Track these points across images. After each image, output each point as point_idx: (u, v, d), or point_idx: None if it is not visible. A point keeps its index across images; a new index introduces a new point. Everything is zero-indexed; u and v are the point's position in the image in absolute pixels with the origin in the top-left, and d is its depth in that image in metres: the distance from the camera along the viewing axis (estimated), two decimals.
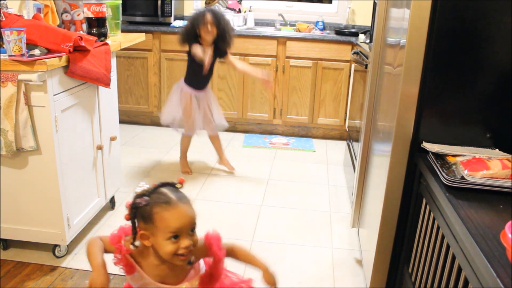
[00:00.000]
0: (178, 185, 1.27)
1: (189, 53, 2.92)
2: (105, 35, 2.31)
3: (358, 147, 2.37)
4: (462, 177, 1.31)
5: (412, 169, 1.61)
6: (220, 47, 2.92)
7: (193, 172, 3.22)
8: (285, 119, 4.05)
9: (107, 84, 2.20)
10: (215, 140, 3.23)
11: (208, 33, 2.84)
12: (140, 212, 1.20)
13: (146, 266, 1.27)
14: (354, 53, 3.26)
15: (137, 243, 1.26)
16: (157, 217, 1.18)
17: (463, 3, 1.44)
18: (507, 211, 1.19)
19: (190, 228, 1.20)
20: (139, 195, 1.22)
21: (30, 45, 1.93)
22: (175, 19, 4.10)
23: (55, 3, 2.36)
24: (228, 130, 3.34)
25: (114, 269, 2.15)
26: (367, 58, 2.75)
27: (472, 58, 1.49)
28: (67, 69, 1.96)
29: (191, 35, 2.86)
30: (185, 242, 1.18)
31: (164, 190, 1.24)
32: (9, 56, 1.81)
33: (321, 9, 4.38)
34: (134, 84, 4.13)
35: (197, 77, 2.96)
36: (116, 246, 1.26)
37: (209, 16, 2.83)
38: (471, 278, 1.07)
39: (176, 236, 1.18)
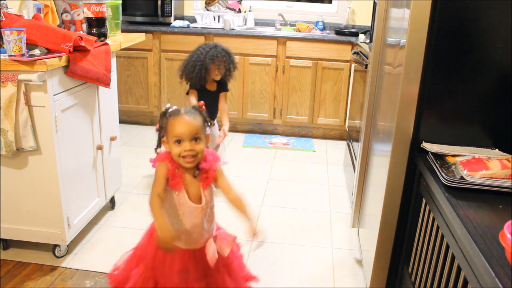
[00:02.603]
0: (197, 106, 1.55)
1: (191, 87, 2.80)
2: (105, 35, 2.31)
3: (358, 147, 2.37)
4: (462, 177, 1.31)
5: (412, 169, 1.61)
6: (224, 82, 2.84)
7: None
8: (285, 119, 4.05)
9: (107, 84, 2.20)
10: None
11: (218, 75, 2.73)
12: (161, 123, 1.51)
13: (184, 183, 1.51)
14: (354, 53, 3.27)
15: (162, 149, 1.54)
16: (168, 125, 1.47)
17: (463, 3, 1.44)
18: (506, 211, 1.19)
19: (191, 135, 1.45)
20: (164, 111, 1.51)
21: (30, 45, 1.94)
22: (175, 19, 4.10)
23: (55, 3, 2.36)
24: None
25: None
26: (367, 58, 2.75)
27: (472, 58, 1.49)
28: (67, 69, 1.97)
29: (197, 77, 2.70)
30: (186, 146, 1.44)
31: (181, 108, 1.51)
32: (9, 56, 1.81)
33: (321, 9, 4.38)
34: (134, 84, 4.13)
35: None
36: (168, 161, 1.50)
37: (221, 60, 2.69)
38: (470, 278, 1.07)
39: (179, 141, 1.45)
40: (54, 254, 2.15)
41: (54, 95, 1.91)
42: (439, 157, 1.47)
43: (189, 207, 1.51)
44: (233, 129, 4.07)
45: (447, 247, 1.26)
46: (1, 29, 1.85)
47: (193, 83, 2.75)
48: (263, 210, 2.74)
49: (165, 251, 1.51)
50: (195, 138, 1.46)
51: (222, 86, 2.86)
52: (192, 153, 1.45)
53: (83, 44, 1.99)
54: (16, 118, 1.86)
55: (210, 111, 2.76)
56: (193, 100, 2.73)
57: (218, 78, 2.76)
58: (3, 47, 1.85)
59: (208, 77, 2.73)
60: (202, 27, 3.98)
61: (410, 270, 1.64)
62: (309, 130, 4.16)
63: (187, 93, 2.82)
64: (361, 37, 3.66)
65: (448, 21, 1.46)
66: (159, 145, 1.55)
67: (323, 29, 4.17)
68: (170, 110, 1.50)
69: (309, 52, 3.85)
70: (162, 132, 1.52)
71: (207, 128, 1.54)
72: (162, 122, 1.51)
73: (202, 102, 1.59)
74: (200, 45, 2.79)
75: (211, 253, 1.55)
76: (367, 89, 2.17)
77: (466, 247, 1.07)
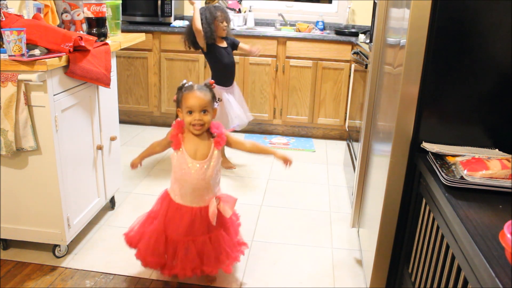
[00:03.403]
0: (208, 84, 1.85)
1: (208, 53, 3.06)
2: (105, 35, 2.31)
3: (358, 147, 2.37)
4: (462, 177, 1.31)
5: (412, 169, 1.61)
6: (230, 39, 3.13)
7: None
8: (285, 119, 4.05)
9: (107, 84, 2.20)
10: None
11: (224, 30, 3.01)
12: (177, 96, 1.83)
13: (186, 143, 1.84)
14: (354, 53, 3.27)
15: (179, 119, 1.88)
16: (183, 98, 1.80)
17: (463, 3, 1.44)
18: (506, 211, 1.19)
19: (200, 107, 1.77)
20: (181, 86, 1.83)
21: (30, 45, 1.94)
22: (175, 19, 4.10)
23: (55, 3, 2.36)
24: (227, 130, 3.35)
25: (115, 269, 2.16)
26: (367, 58, 2.75)
27: (472, 58, 1.49)
28: (67, 69, 1.97)
29: (209, 33, 2.95)
30: (196, 116, 1.77)
31: (195, 84, 1.83)
32: (9, 56, 1.81)
33: (321, 9, 4.38)
34: (134, 84, 4.13)
35: (225, 74, 3.10)
36: (176, 127, 1.84)
37: (221, 13, 2.97)
38: (471, 278, 1.07)
39: (191, 112, 1.77)
40: (54, 254, 2.15)
41: (54, 95, 1.91)
42: (439, 157, 1.47)
43: (191, 163, 1.81)
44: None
45: (447, 247, 1.26)
46: (1, 29, 1.85)
47: (205, 38, 2.97)
48: (263, 210, 2.74)
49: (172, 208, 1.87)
50: (204, 110, 1.78)
51: (232, 42, 3.14)
52: (201, 122, 1.77)
53: (83, 44, 1.99)
54: (16, 118, 1.86)
55: (226, 66, 3.10)
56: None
57: (224, 33, 3.04)
58: (3, 47, 1.85)
59: (215, 32, 2.99)
60: None
61: (410, 270, 1.64)
62: (309, 130, 4.16)
63: (206, 52, 3.06)
64: (361, 37, 3.66)
65: (448, 21, 1.46)
66: (176, 115, 1.88)
67: (323, 29, 4.17)
68: (186, 85, 1.81)
69: (309, 52, 3.85)
70: (177, 103, 1.83)
71: (216, 104, 1.86)
72: (178, 95, 1.82)
73: (212, 80, 1.93)
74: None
75: (212, 210, 1.82)
76: (367, 89, 2.16)
77: (466, 247, 1.07)
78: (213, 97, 1.83)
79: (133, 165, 2.01)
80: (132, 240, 1.96)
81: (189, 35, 3.03)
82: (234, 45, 3.16)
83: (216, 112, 1.88)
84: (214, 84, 1.87)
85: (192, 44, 3.05)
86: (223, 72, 3.10)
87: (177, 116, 1.88)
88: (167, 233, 1.88)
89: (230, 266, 1.96)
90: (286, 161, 1.91)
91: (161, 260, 1.91)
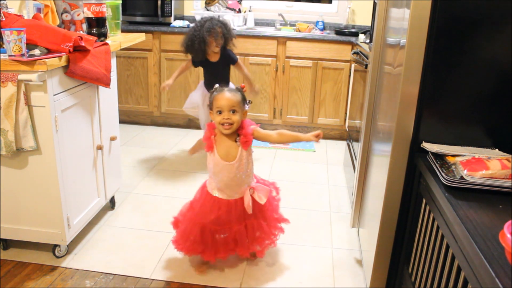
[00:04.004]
0: (239, 87, 2.00)
1: (194, 62, 3.07)
2: (105, 35, 2.31)
3: (358, 147, 2.37)
4: (462, 177, 1.31)
5: (412, 169, 1.61)
6: (226, 52, 3.04)
7: (193, 172, 3.23)
8: (285, 119, 4.05)
9: (107, 84, 2.20)
10: None
11: (217, 47, 2.95)
12: (210, 98, 1.97)
13: (218, 145, 1.96)
14: (354, 53, 3.26)
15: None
16: (214, 99, 1.93)
17: (463, 3, 1.44)
18: (506, 211, 1.19)
19: (229, 107, 1.88)
20: (213, 90, 1.97)
21: (30, 45, 1.93)
22: (175, 19, 4.10)
23: (55, 3, 2.36)
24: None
25: (115, 269, 2.16)
26: (367, 58, 2.75)
27: (472, 58, 1.49)
28: (67, 69, 1.97)
29: (197, 50, 2.91)
30: (225, 115, 1.88)
31: (227, 87, 1.97)
32: (9, 56, 1.81)
33: (321, 9, 4.38)
34: (134, 84, 4.13)
35: (211, 82, 3.03)
36: (208, 130, 1.97)
37: (217, 31, 2.89)
38: (471, 278, 1.07)
39: (220, 111, 1.89)
40: (54, 254, 2.15)
41: (54, 95, 1.91)
42: (439, 157, 1.47)
43: (222, 164, 1.94)
44: None
45: (447, 247, 1.26)
46: (1, 29, 1.85)
47: (194, 56, 2.97)
48: None
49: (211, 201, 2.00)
50: (233, 110, 1.89)
51: (226, 57, 3.05)
52: (229, 121, 1.88)
53: (83, 44, 1.99)
54: (16, 118, 1.86)
55: (217, 80, 2.98)
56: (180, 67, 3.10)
57: (216, 50, 2.95)
58: (3, 47, 1.85)
59: (208, 49, 2.92)
60: None
61: (410, 270, 1.64)
62: (309, 130, 4.16)
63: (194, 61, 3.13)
64: (361, 37, 3.66)
65: (448, 21, 1.46)
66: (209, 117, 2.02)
67: (323, 29, 4.17)
68: (218, 88, 1.95)
69: (309, 52, 3.85)
70: (210, 106, 1.96)
71: (246, 105, 1.94)
72: (211, 97, 1.96)
73: (243, 84, 2.04)
74: (196, 22, 3.00)
75: (247, 202, 1.96)
76: (367, 89, 2.17)
77: (466, 247, 1.07)
78: (243, 99, 1.94)
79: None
80: (174, 224, 2.14)
81: (184, 47, 3.01)
82: (228, 61, 3.09)
83: (246, 114, 1.97)
84: (245, 88, 2.01)
85: (185, 53, 3.06)
86: (209, 81, 3.05)
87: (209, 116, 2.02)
88: (204, 223, 2.00)
89: (263, 251, 2.14)
90: (317, 138, 1.98)
91: (194, 247, 2.03)
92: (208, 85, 3.09)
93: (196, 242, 2.02)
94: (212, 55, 3.00)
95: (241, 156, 1.94)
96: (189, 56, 3.07)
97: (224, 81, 3.06)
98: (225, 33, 2.93)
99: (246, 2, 4.30)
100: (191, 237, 2.02)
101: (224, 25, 2.95)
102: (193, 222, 2.02)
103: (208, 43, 2.89)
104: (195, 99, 3.22)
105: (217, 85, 1.97)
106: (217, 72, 3.05)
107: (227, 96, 1.89)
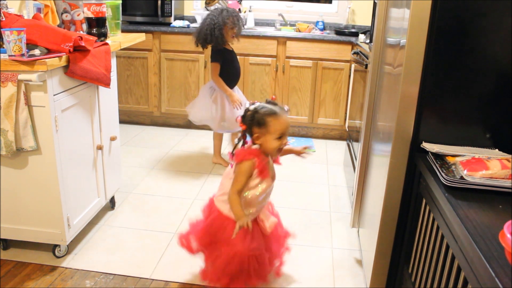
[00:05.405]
0: (274, 101, 1.81)
1: (216, 54, 3.08)
2: (105, 35, 2.31)
3: (358, 147, 2.37)
4: (462, 177, 1.31)
5: (412, 169, 1.61)
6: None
7: (193, 172, 3.23)
8: None
9: (107, 84, 2.20)
10: (236, 136, 3.41)
11: (234, 36, 3.06)
12: (256, 120, 1.74)
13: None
14: (354, 53, 3.26)
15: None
16: (270, 123, 1.73)
17: (463, 3, 1.44)
18: (506, 211, 1.19)
19: (288, 130, 1.77)
20: (251, 109, 1.76)
21: (30, 45, 1.93)
22: (175, 19, 4.10)
23: (55, 3, 2.36)
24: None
25: (115, 269, 2.16)
26: (367, 58, 2.75)
27: (472, 58, 1.49)
28: (67, 69, 1.97)
29: (219, 38, 2.99)
30: (285, 140, 1.77)
31: (268, 105, 1.78)
32: (9, 56, 1.81)
33: (321, 9, 4.38)
34: (134, 84, 4.13)
35: (231, 76, 3.15)
36: (256, 156, 1.77)
37: (233, 19, 3.00)
38: (470, 278, 1.07)
39: (280, 137, 1.75)
40: (54, 254, 2.15)
41: (54, 95, 1.91)
42: (439, 157, 1.47)
43: (271, 187, 1.85)
44: None
45: (447, 247, 1.26)
46: (1, 29, 1.85)
47: (214, 44, 3.05)
48: None
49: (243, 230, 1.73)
50: None
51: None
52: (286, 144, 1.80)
53: (83, 44, 1.99)
54: (16, 118, 1.86)
55: (236, 69, 3.19)
56: (219, 79, 3.07)
57: (233, 39, 3.08)
58: (3, 47, 1.85)
59: (226, 37, 3.03)
60: None
61: (410, 270, 1.64)
62: (309, 130, 4.16)
63: (214, 54, 3.10)
64: (361, 37, 3.66)
65: (448, 21, 1.46)
66: (244, 141, 1.82)
67: (323, 29, 4.17)
68: (263, 108, 1.75)
69: (309, 52, 3.85)
70: (254, 128, 1.76)
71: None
72: (257, 119, 1.74)
73: (274, 96, 1.94)
74: (208, 13, 3.08)
75: (272, 222, 1.87)
76: (367, 89, 2.16)
77: (466, 247, 1.07)
78: None
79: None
80: (186, 244, 1.95)
81: (199, 38, 3.07)
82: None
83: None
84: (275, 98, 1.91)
85: (202, 45, 3.11)
86: (232, 74, 3.15)
87: (245, 141, 1.81)
88: (210, 241, 1.85)
89: (278, 271, 2.04)
90: (303, 149, 1.96)
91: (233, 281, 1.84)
92: (230, 76, 3.13)
93: (234, 274, 1.81)
94: (227, 45, 3.11)
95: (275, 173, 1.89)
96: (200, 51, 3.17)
97: (239, 71, 3.20)
98: (241, 22, 3.07)
99: (246, 2, 4.30)
100: (231, 270, 1.79)
101: (239, 15, 3.07)
102: (229, 254, 1.78)
103: (228, 30, 3.01)
104: (205, 113, 3.17)
105: (248, 103, 1.80)
106: (236, 60, 3.17)
107: (285, 119, 1.76)
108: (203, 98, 3.19)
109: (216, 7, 4.04)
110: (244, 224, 1.67)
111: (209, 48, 3.14)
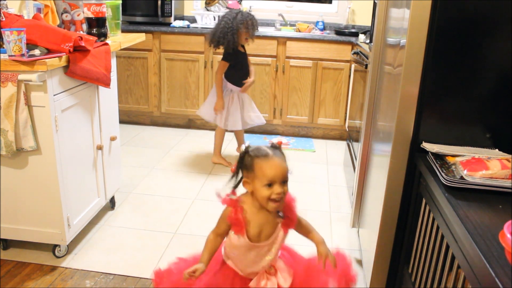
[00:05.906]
0: (277, 145, 1.51)
1: (227, 56, 3.13)
2: (105, 35, 2.31)
3: (358, 147, 2.37)
4: (462, 177, 1.31)
5: (412, 169, 1.61)
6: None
7: (193, 172, 3.23)
8: (285, 119, 4.05)
9: (107, 84, 2.20)
10: (239, 134, 3.48)
11: (247, 39, 3.12)
12: (244, 163, 1.45)
13: (249, 224, 1.47)
14: (354, 53, 3.27)
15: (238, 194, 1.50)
16: (257, 167, 1.41)
17: (463, 3, 1.44)
18: (506, 211, 1.19)
19: (282, 178, 1.40)
20: (243, 150, 1.47)
21: (30, 45, 1.93)
22: (175, 19, 4.10)
23: (55, 3, 2.36)
24: (228, 130, 3.35)
25: (115, 269, 2.16)
26: (367, 58, 2.75)
27: (472, 58, 1.49)
28: (67, 69, 1.97)
29: (231, 41, 3.02)
30: (277, 189, 1.39)
31: (264, 147, 1.48)
32: (9, 56, 1.81)
33: (321, 9, 4.38)
34: (134, 84, 4.13)
35: (238, 78, 3.19)
36: (232, 206, 1.47)
37: (247, 24, 3.05)
38: (470, 278, 1.07)
39: (270, 184, 1.39)
40: (54, 254, 2.15)
41: (54, 95, 1.91)
42: (439, 157, 1.47)
43: (250, 246, 1.47)
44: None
45: (447, 247, 1.26)
46: (1, 29, 1.85)
47: (226, 46, 3.08)
48: None
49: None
50: (284, 181, 1.42)
51: (244, 50, 3.22)
52: (282, 196, 1.42)
53: (83, 44, 1.99)
54: (16, 118, 1.86)
55: (245, 71, 3.22)
56: (220, 79, 3.14)
57: (246, 42, 3.14)
58: (3, 47, 1.85)
59: (240, 40, 3.07)
60: (202, 27, 3.98)
61: (410, 270, 1.64)
62: (309, 130, 4.16)
63: (225, 54, 3.13)
64: (361, 37, 3.65)
65: (448, 21, 1.46)
66: (237, 185, 1.49)
67: (323, 29, 4.17)
68: (254, 150, 1.45)
69: (309, 52, 3.85)
70: (244, 172, 1.47)
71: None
72: (246, 162, 1.45)
73: (280, 141, 1.56)
74: (224, 14, 3.12)
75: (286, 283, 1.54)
76: (367, 89, 2.17)
77: (466, 247, 1.07)
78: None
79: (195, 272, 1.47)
80: (158, 280, 1.63)
81: (213, 40, 3.11)
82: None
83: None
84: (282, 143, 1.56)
85: (215, 46, 3.15)
86: (239, 76, 3.19)
87: (237, 185, 1.50)
88: None
89: None
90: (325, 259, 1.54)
91: None
92: (238, 77, 3.19)
93: None
94: (240, 47, 3.15)
95: (276, 238, 1.50)
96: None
97: (248, 73, 3.23)
98: (255, 26, 3.10)
99: (246, 2, 4.30)
100: None
101: (254, 18, 3.10)
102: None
103: (241, 34, 3.04)
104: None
105: (245, 145, 1.50)
106: (247, 63, 3.21)
107: (278, 163, 1.42)
108: (213, 97, 3.26)
109: (216, 6, 4.05)
110: (192, 273, 1.43)
111: (221, 48, 3.18)
